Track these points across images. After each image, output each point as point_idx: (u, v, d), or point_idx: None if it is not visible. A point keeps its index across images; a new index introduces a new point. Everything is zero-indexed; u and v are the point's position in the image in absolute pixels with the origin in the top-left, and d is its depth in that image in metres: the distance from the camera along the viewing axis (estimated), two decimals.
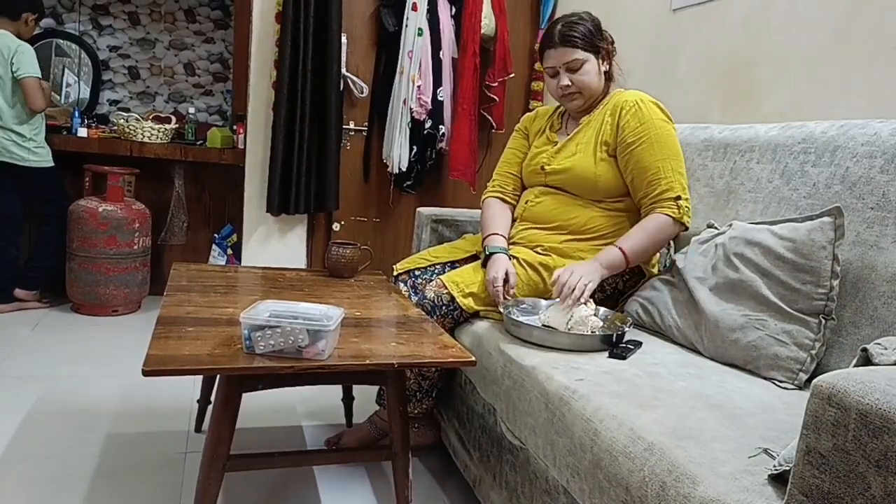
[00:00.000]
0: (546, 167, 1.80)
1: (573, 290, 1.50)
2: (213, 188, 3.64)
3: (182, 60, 4.21)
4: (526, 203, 1.85)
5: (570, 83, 1.72)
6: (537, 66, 3.28)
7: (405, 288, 1.88)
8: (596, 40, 1.72)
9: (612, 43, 1.79)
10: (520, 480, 1.36)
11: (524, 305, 1.64)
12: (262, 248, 3.11)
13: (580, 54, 1.70)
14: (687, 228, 1.67)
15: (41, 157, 3.01)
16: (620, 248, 1.62)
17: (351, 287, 1.84)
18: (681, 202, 1.64)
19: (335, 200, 2.99)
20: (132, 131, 3.29)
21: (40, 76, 2.98)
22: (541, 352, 1.42)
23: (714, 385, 1.25)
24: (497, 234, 1.80)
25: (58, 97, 3.37)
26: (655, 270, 1.80)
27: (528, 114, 2.03)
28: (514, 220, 1.89)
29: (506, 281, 1.64)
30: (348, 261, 1.92)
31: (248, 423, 1.98)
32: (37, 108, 2.99)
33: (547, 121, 1.92)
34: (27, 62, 2.92)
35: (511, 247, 1.78)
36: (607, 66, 1.77)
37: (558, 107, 1.94)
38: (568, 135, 1.82)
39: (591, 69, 1.72)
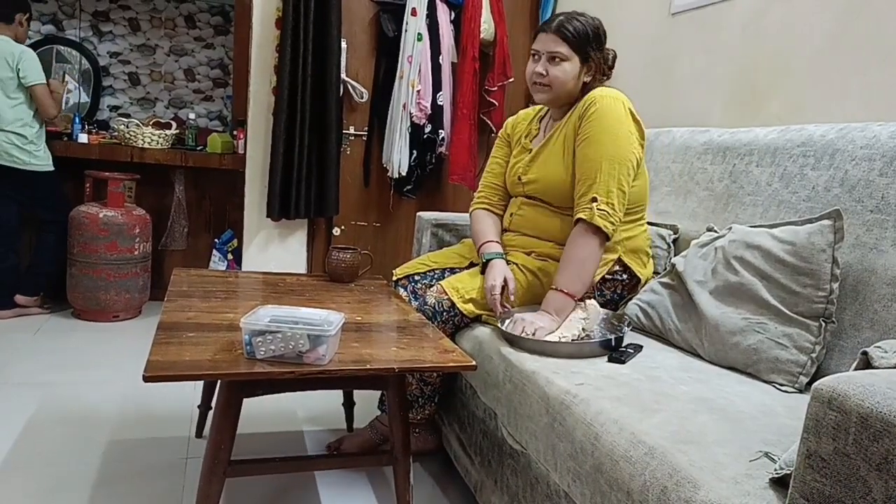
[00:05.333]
0: (522, 178, 1.78)
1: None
2: (214, 193, 3.65)
3: (182, 66, 4.22)
4: (511, 215, 1.84)
5: (544, 73, 1.67)
6: None
7: (405, 293, 1.88)
8: (587, 46, 1.66)
9: (610, 62, 1.72)
10: (521, 485, 1.36)
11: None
12: (262, 254, 3.11)
13: (565, 50, 1.65)
14: (607, 236, 1.56)
15: (42, 160, 3.02)
16: (559, 289, 1.55)
17: (351, 292, 1.84)
18: (595, 205, 1.54)
19: (335, 205, 2.99)
20: (133, 137, 3.29)
21: (45, 81, 3.00)
22: (541, 356, 1.42)
23: (715, 389, 1.25)
24: (492, 241, 1.79)
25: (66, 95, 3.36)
26: (648, 270, 1.78)
27: (509, 119, 1.98)
28: (503, 230, 1.88)
29: (504, 288, 1.64)
30: (348, 266, 1.92)
31: (249, 429, 1.98)
32: (48, 117, 3.01)
33: (527, 127, 1.88)
34: (33, 69, 2.94)
35: (508, 251, 1.77)
36: (589, 78, 1.70)
37: (538, 111, 1.90)
38: (543, 142, 1.78)
39: (570, 70, 1.66)
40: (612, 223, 1.56)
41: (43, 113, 2.98)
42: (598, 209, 1.54)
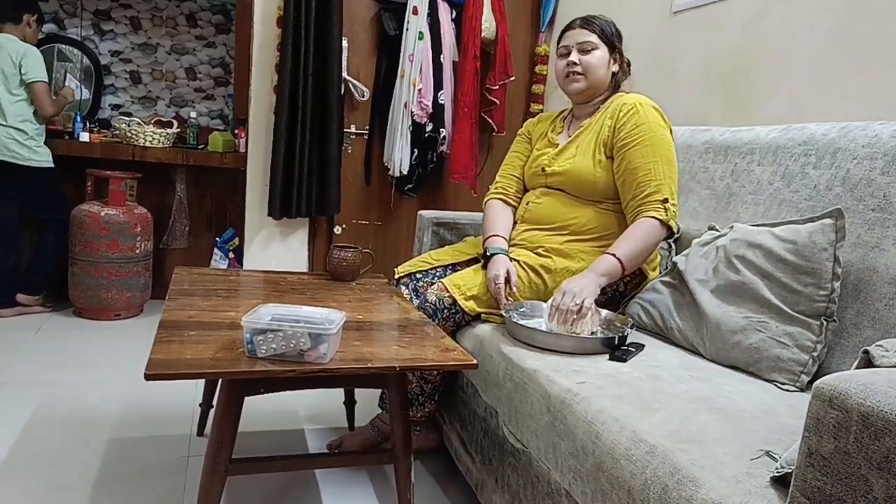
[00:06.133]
0: (547, 169, 1.81)
1: (568, 311, 1.49)
2: (215, 192, 3.65)
3: (184, 65, 4.22)
4: (527, 204, 1.86)
5: (577, 62, 1.75)
6: (538, 69, 3.29)
7: (407, 291, 1.88)
8: (613, 38, 1.77)
9: (628, 62, 1.82)
10: (522, 483, 1.36)
11: (524, 309, 1.64)
12: (263, 252, 3.12)
13: (594, 39, 1.74)
14: (673, 234, 1.65)
15: (42, 156, 3.02)
16: (614, 255, 1.59)
17: (352, 290, 1.84)
18: (668, 205, 1.61)
19: (336, 204, 2.99)
20: (134, 136, 3.30)
21: (46, 80, 3.01)
22: (542, 355, 1.42)
23: (716, 388, 1.24)
24: (497, 235, 1.80)
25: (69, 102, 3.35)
26: (656, 273, 1.79)
27: (530, 119, 2.04)
28: (515, 222, 1.89)
29: (507, 280, 1.64)
30: (350, 264, 1.92)
31: (250, 427, 1.98)
32: (45, 114, 3.02)
33: (549, 124, 1.93)
34: (35, 66, 2.96)
35: (512, 249, 1.78)
36: (616, 68, 1.79)
37: (561, 111, 1.95)
38: (569, 137, 1.83)
39: (602, 57, 1.75)
40: (676, 223, 1.65)
41: (40, 110, 2.99)
42: (671, 210, 1.62)
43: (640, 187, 1.64)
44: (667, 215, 1.61)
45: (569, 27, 1.79)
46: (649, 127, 1.66)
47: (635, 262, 1.63)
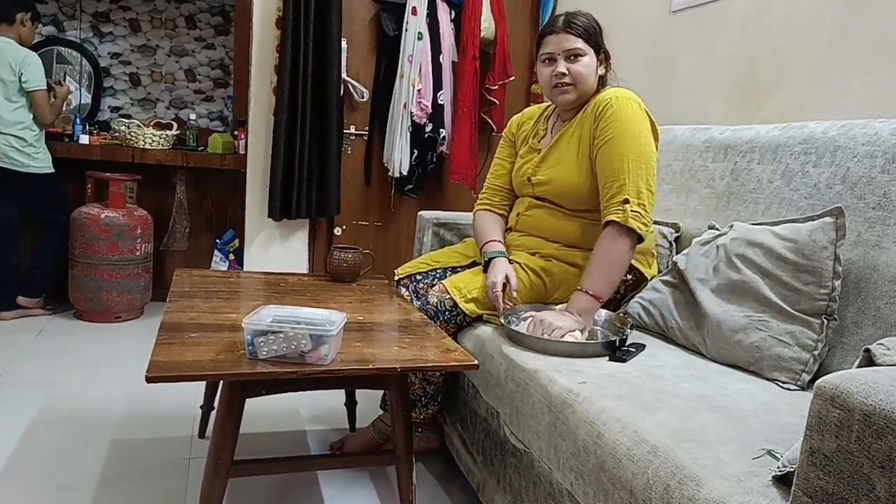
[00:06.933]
0: (532, 178, 1.77)
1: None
2: (215, 194, 3.65)
3: (183, 66, 4.22)
4: (517, 215, 1.83)
5: (566, 72, 1.64)
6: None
7: (407, 292, 1.88)
8: (597, 37, 1.67)
9: (609, 57, 1.75)
10: (524, 484, 1.36)
11: (523, 313, 1.63)
12: (263, 254, 3.12)
13: (581, 44, 1.64)
14: (641, 238, 1.56)
15: (41, 162, 3.01)
16: (585, 291, 1.54)
17: (353, 291, 1.84)
18: (628, 206, 1.52)
19: (336, 205, 2.99)
20: (134, 138, 3.30)
21: (46, 87, 3.00)
22: (543, 355, 1.42)
23: (717, 387, 1.24)
24: (494, 240, 1.78)
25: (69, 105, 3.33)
26: (654, 270, 1.78)
27: (514, 117, 1.97)
28: (509, 229, 1.88)
29: (506, 285, 1.63)
30: (350, 265, 1.92)
31: (252, 429, 1.98)
32: (45, 122, 3.01)
33: (532, 127, 1.87)
34: (35, 74, 2.94)
35: (511, 252, 1.77)
36: (603, 71, 1.71)
37: (544, 110, 1.90)
38: (551, 141, 1.77)
39: (590, 63, 1.66)
40: (645, 224, 1.55)
41: (40, 118, 2.98)
42: (631, 211, 1.53)
43: (604, 189, 1.59)
44: (624, 216, 1.52)
45: (550, 31, 1.67)
46: (619, 121, 1.57)
47: (608, 286, 1.56)
